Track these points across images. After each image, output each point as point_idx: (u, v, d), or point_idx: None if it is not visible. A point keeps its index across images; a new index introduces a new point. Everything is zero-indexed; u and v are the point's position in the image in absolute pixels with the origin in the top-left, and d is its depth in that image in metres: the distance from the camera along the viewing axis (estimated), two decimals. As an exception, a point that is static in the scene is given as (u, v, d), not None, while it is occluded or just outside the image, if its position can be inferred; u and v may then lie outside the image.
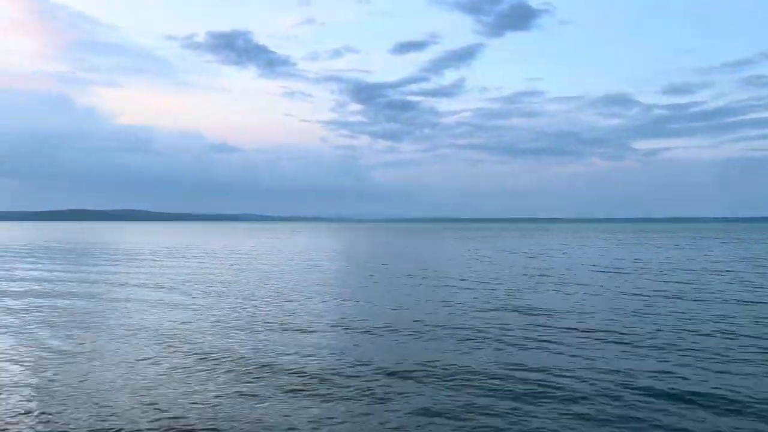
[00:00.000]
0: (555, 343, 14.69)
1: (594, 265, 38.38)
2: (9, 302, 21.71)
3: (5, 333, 15.94)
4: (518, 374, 11.74)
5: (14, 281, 29.04)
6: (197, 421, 9.18)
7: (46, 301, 21.98)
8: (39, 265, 39.06)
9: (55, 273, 33.41)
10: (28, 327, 16.73)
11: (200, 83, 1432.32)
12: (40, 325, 16.96)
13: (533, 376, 11.63)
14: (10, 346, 14.29)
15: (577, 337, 15.32)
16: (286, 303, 21.43)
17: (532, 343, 14.69)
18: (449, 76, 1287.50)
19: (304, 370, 12.12)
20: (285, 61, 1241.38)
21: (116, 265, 39.49)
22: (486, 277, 30.56)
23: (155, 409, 9.68)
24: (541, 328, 16.58)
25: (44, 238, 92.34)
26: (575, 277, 30.49)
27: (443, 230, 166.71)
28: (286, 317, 18.34)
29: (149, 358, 12.97)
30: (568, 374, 11.77)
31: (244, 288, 26.02)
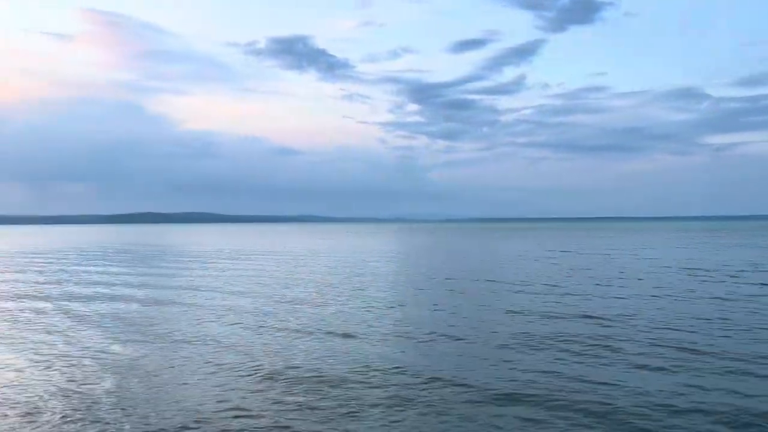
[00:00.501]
0: (626, 355, 13.65)
1: (668, 267, 36.44)
2: (82, 303, 22.24)
3: (77, 334, 16.21)
4: (581, 390, 10.90)
5: (89, 283, 29.89)
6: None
7: (116, 302, 22.41)
8: (114, 267, 40.31)
9: (127, 275, 34.31)
10: (97, 328, 16.98)
11: (261, 88, 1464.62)
12: (107, 327, 17.19)
13: (596, 394, 10.76)
14: (80, 347, 14.46)
15: (662, 356, 14.21)
16: (348, 308, 21.03)
17: (600, 355, 13.71)
18: (509, 74, 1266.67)
19: (370, 381, 11.64)
20: (344, 64, 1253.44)
21: (185, 267, 40.26)
22: (552, 280, 29.38)
23: (208, 411, 9.42)
24: (613, 339, 15.45)
25: (118, 241, 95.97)
26: (652, 280, 28.90)
27: (503, 230, 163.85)
28: (347, 324, 17.92)
29: (205, 363, 12.81)
30: (639, 401, 10.82)
31: (304, 291, 25.85)
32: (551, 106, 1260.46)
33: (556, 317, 18.78)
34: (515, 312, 19.85)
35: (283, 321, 18.50)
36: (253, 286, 28.22)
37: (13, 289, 27.97)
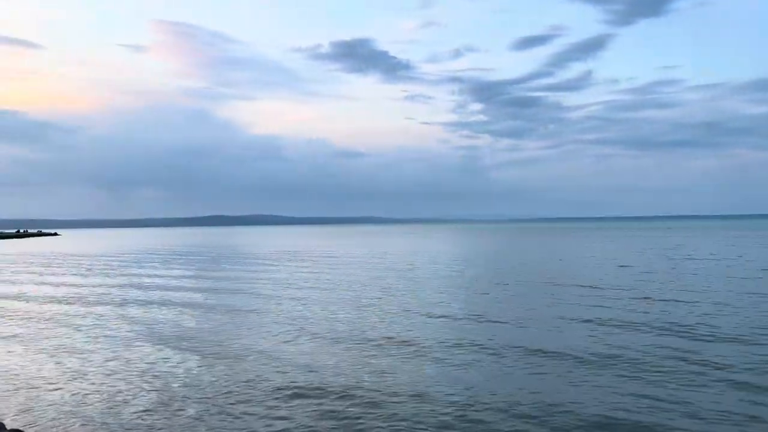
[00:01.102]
0: (723, 382, 12.08)
1: (762, 271, 33.63)
2: (165, 301, 22.37)
3: (163, 329, 16.07)
4: (680, 418, 9.55)
5: (164, 286, 30.31)
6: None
7: (188, 301, 22.45)
8: (187, 269, 41.08)
9: (199, 276, 34.71)
10: (178, 325, 16.82)
11: (324, 92, 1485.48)
12: (180, 328, 17.00)
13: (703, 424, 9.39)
14: (169, 343, 14.24)
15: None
16: (413, 316, 20.13)
17: (699, 375, 12.23)
18: (575, 70, 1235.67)
19: (434, 399, 10.69)
20: (405, 65, 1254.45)
21: (255, 269, 40.50)
22: (626, 285, 27.49)
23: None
24: (708, 356, 13.93)
25: (191, 243, 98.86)
26: (740, 287, 26.57)
27: (571, 230, 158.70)
28: (412, 334, 17.02)
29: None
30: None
31: (368, 295, 25.12)
32: (620, 101, 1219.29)
33: (640, 328, 17.18)
34: (595, 322, 18.35)
35: (349, 328, 17.79)
36: (318, 289, 27.73)
37: (91, 290, 28.62)
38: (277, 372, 13.00)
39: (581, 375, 12.42)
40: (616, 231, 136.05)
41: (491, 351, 14.77)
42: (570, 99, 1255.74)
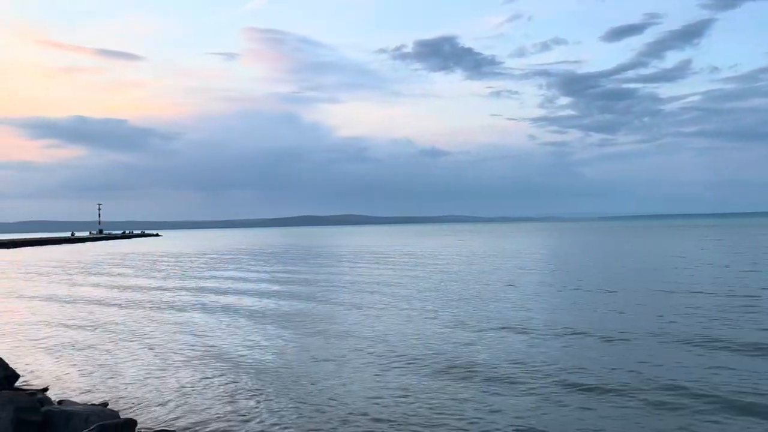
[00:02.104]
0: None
1: None
2: (256, 299, 22.85)
3: (243, 329, 16.27)
4: None
5: (264, 280, 31.05)
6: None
7: (285, 299, 22.72)
8: (283, 266, 42.07)
9: (294, 273, 35.37)
10: (264, 322, 16.98)
11: (409, 91, 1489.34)
12: (281, 323, 17.13)
13: None
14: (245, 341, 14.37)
15: None
16: (507, 309, 19.33)
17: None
18: (672, 59, 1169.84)
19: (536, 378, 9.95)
20: (491, 61, 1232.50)
21: (347, 265, 40.83)
22: (744, 290, 25.24)
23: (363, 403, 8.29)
24: None
25: (283, 243, 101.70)
26: None
27: (670, 228, 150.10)
28: (510, 322, 16.26)
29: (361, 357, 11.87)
30: None
31: (459, 291, 24.47)
32: (722, 91, 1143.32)
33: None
34: (707, 341, 14.45)
35: (452, 319, 17.26)
36: (411, 286, 27.38)
37: (197, 285, 29.72)
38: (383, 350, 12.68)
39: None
40: (720, 229, 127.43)
41: (614, 389, 13.75)
42: (666, 90, 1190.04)
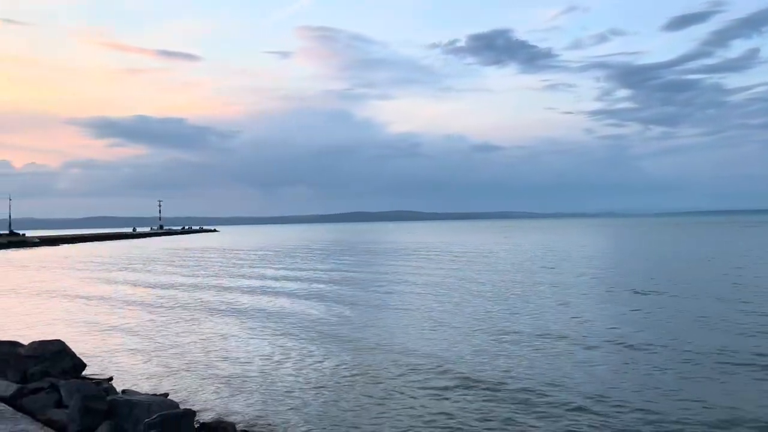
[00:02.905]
0: None
1: None
2: (306, 295, 23.14)
3: (299, 324, 16.50)
4: None
5: (319, 277, 31.45)
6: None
7: (336, 296, 22.94)
8: (342, 260, 42.51)
9: (345, 270, 35.65)
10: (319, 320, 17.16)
11: (461, 86, 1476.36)
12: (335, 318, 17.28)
13: None
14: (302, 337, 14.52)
15: None
16: (556, 314, 18.85)
17: None
18: (738, 48, 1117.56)
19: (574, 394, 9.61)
20: (546, 54, 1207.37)
21: (398, 263, 40.87)
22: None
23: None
24: None
25: (337, 239, 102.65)
26: None
27: (738, 224, 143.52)
28: (554, 329, 15.84)
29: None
30: None
31: (512, 294, 24.06)
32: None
33: None
34: None
35: (500, 324, 16.99)
36: (462, 287, 27.13)
37: (255, 280, 30.33)
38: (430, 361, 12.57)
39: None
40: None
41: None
42: (732, 81, 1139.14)
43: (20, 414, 7.81)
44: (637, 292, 23.02)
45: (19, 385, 9.53)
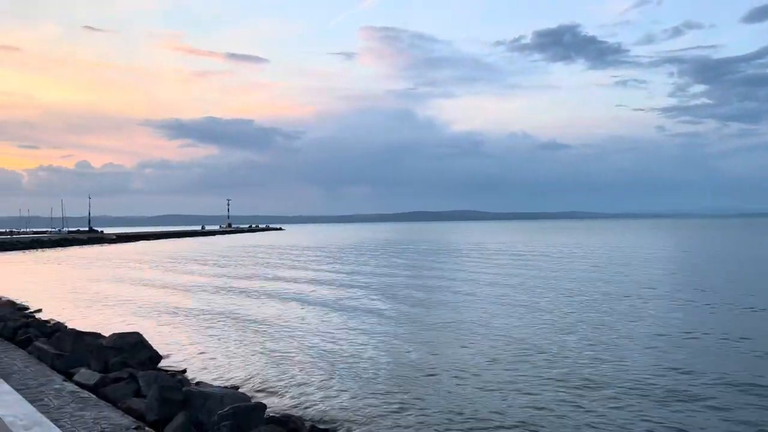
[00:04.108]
0: None
1: None
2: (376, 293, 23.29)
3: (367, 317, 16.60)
4: None
5: (381, 274, 31.62)
6: None
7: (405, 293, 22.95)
8: (404, 258, 42.66)
9: (413, 269, 35.67)
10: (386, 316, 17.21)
11: (526, 83, 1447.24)
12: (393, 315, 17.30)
13: None
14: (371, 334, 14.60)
15: None
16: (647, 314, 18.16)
17: None
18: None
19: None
20: (616, 49, 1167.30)
21: (465, 263, 40.59)
22: None
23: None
24: None
25: (401, 239, 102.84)
26: None
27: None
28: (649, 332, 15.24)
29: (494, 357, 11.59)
30: None
31: (589, 298, 23.38)
32: None
33: None
34: None
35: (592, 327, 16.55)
36: (532, 289, 26.61)
37: (321, 277, 30.80)
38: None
39: None
40: None
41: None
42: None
43: (103, 402, 8.20)
44: (731, 304, 21.91)
45: (102, 375, 10.00)
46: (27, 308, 21.25)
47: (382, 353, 13.93)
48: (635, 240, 77.08)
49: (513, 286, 26.71)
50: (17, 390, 7.99)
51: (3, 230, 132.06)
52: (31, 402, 7.42)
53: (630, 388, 10.59)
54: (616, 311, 19.03)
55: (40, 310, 20.96)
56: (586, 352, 13.43)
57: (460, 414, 9.54)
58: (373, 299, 23.33)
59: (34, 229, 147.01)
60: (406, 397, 10.48)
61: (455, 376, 11.71)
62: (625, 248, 57.15)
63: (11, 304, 20.97)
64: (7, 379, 8.56)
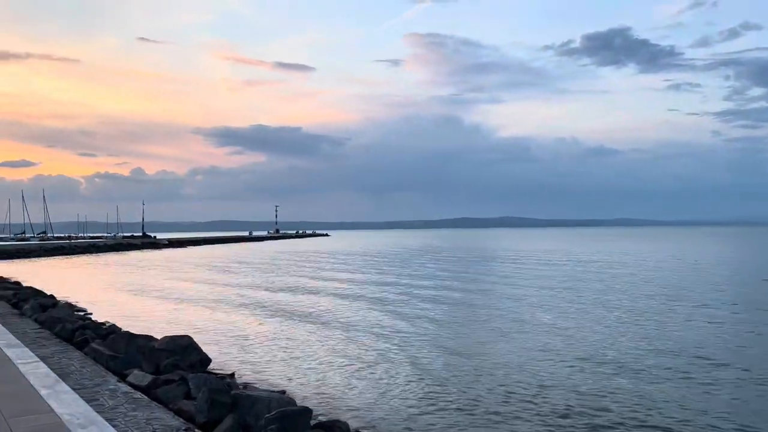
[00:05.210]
0: None
1: None
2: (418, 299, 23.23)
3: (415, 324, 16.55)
4: None
5: (430, 280, 31.54)
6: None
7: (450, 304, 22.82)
8: (453, 265, 42.49)
9: (456, 276, 35.46)
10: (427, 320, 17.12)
11: (574, 88, 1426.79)
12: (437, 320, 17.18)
13: None
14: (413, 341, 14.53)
15: None
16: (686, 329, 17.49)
17: None
18: None
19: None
20: (669, 52, 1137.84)
21: (516, 271, 40.11)
22: None
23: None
24: None
25: (448, 246, 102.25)
26: None
27: None
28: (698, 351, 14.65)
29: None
30: None
31: (640, 306, 22.71)
32: None
33: None
34: None
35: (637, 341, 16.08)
36: (589, 299, 26.02)
37: (370, 281, 30.92)
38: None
39: None
40: None
41: None
42: None
43: (154, 403, 8.38)
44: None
45: (153, 376, 10.24)
46: (84, 310, 22.00)
47: (433, 359, 13.85)
48: (706, 249, 74.49)
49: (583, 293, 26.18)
50: (74, 390, 8.26)
51: (62, 235, 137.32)
52: (87, 401, 7.66)
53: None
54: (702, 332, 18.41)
55: (96, 313, 21.67)
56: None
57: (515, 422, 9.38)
58: (425, 305, 23.23)
59: (91, 234, 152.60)
60: (455, 404, 10.36)
61: (515, 386, 11.51)
62: (706, 261, 55.29)
63: (69, 306, 21.72)
64: (65, 379, 8.86)
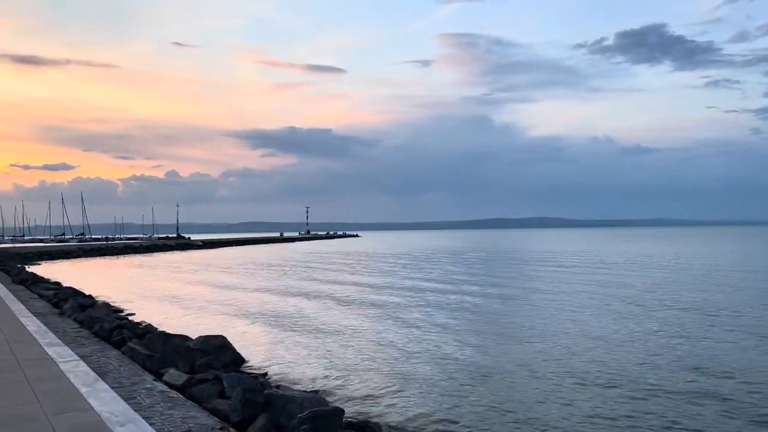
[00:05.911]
0: None
1: None
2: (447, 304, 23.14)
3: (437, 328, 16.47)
4: None
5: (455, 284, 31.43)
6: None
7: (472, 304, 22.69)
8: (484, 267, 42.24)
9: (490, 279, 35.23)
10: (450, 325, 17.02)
11: (608, 86, 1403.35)
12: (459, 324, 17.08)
13: None
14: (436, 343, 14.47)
15: None
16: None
17: None
18: None
19: None
20: (706, 48, 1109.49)
21: (549, 274, 39.68)
22: None
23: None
24: None
25: (480, 246, 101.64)
26: None
27: None
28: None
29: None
30: None
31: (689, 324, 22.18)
32: None
33: None
34: None
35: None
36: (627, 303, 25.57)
37: (400, 283, 30.95)
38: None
39: None
40: None
41: None
42: None
43: (190, 402, 8.51)
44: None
45: (188, 375, 10.41)
46: (121, 310, 22.48)
47: (466, 360, 13.78)
48: (752, 250, 72.55)
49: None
50: (112, 388, 8.45)
51: (99, 236, 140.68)
52: (125, 400, 7.82)
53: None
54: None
55: (133, 313, 22.12)
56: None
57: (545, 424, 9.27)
58: (460, 306, 23.13)
59: (127, 236, 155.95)
60: (487, 405, 10.29)
61: (551, 388, 11.39)
62: (736, 260, 53.86)
63: (107, 306, 22.21)
64: (103, 378, 9.06)
